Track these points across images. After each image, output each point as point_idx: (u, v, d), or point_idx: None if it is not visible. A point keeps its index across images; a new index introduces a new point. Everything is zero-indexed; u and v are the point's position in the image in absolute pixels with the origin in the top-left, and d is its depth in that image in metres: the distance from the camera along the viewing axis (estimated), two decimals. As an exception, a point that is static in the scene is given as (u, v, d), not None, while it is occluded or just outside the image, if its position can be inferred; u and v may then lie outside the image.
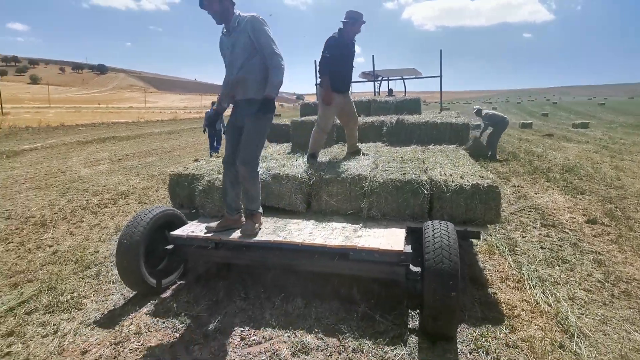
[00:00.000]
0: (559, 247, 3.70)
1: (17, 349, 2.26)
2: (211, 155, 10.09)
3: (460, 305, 2.19)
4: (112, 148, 12.53)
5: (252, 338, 2.31)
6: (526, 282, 2.97)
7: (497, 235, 4.04)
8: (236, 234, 2.80)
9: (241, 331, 2.38)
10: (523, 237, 4.01)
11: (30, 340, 2.34)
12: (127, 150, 11.92)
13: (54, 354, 2.21)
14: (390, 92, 12.07)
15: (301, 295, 2.79)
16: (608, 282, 2.99)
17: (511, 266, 3.28)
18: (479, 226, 2.87)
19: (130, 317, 2.58)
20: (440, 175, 3.07)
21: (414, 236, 2.75)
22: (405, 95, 9.31)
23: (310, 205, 3.29)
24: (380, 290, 2.83)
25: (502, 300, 2.70)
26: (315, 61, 8.76)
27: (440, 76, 7.96)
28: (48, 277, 3.20)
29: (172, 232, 2.88)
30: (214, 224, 2.88)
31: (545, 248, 3.69)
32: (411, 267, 2.38)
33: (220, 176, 3.31)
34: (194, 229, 2.95)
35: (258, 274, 3.18)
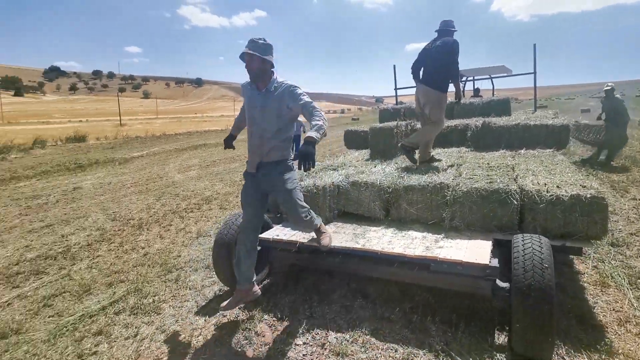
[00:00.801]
0: None
1: (102, 349, 2.46)
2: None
3: (555, 327, 1.96)
4: (203, 155, 13.68)
5: (314, 365, 2.18)
6: (656, 329, 2.34)
7: (612, 262, 3.33)
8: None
9: (303, 355, 2.27)
10: (650, 266, 3.24)
11: (114, 342, 2.53)
12: (215, 157, 12.89)
13: (131, 359, 2.34)
14: (476, 92, 11.12)
15: (369, 319, 2.59)
16: None
17: (632, 305, 2.64)
18: (581, 241, 2.52)
19: (200, 327, 2.65)
20: (533, 184, 2.79)
21: (502, 249, 2.57)
22: (493, 95, 8.44)
23: (389, 212, 3.26)
24: (459, 322, 2.48)
25: (620, 351, 2.16)
26: (394, 65, 8.60)
27: (535, 73, 7.02)
28: (136, 279, 3.49)
29: (259, 235, 3.08)
30: (225, 303, 2.56)
31: (684, 285, 2.91)
32: (498, 282, 2.27)
33: (304, 183, 3.40)
34: (278, 232, 3.13)
35: (325, 290, 3.06)
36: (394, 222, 3.20)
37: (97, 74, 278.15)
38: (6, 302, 3.14)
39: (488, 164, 3.65)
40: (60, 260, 4.04)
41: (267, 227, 3.24)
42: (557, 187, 2.71)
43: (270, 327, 2.60)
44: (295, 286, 3.18)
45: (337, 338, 2.41)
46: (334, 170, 4.00)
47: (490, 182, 2.87)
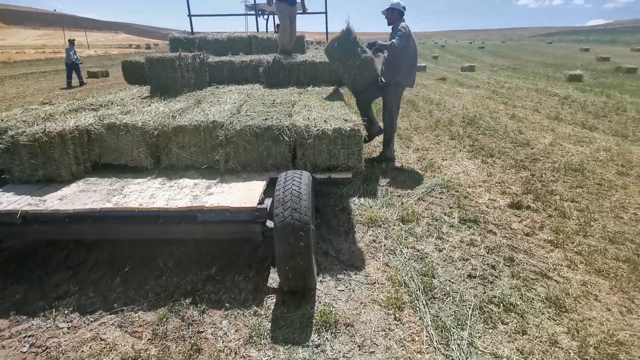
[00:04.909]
0: (492, 273, 2.45)
1: None
2: (68, 86, 12.58)
3: (313, 257, 1.96)
4: None
5: None
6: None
7: (404, 250, 2.65)
8: (51, 203, 2.24)
9: None
10: (440, 250, 2.71)
11: None
12: None
13: None
14: (277, 29, 10.40)
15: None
16: (587, 355, 1.77)
17: (431, 338, 1.87)
18: (343, 172, 2.69)
19: None
20: (303, 120, 2.78)
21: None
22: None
23: (160, 160, 2.84)
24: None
25: None
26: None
27: (326, 13, 7.15)
28: None
29: None
30: None
31: (474, 277, 2.40)
32: (268, 222, 2.16)
33: (30, 130, 2.51)
34: None
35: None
36: (166, 170, 2.80)
37: None
38: None
39: (274, 100, 3.51)
40: None
41: None
42: (324, 121, 2.74)
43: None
44: None
45: None
46: (94, 110, 3.24)
47: (265, 119, 2.72)
